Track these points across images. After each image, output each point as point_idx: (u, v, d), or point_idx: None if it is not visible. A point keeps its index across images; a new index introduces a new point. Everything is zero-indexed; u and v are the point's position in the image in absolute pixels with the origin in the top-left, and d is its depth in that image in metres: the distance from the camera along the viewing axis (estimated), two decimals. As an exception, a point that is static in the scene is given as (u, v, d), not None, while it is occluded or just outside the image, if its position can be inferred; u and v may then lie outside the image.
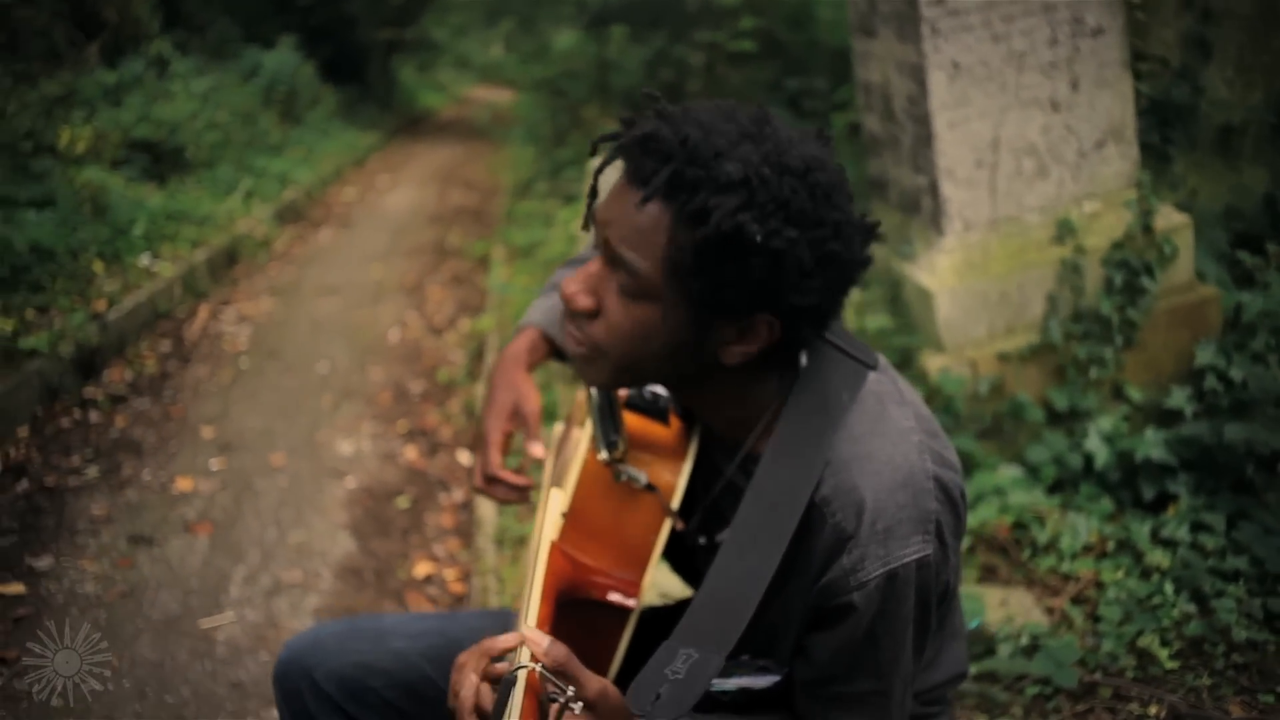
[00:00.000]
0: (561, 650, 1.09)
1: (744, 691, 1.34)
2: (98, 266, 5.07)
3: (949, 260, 3.08)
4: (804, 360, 1.26)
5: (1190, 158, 4.35)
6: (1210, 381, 3.01)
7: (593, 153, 1.28)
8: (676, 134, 1.11)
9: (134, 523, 3.39)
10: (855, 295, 3.42)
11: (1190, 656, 2.48)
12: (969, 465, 2.98)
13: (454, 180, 10.28)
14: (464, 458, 3.97)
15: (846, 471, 1.19)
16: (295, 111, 10.16)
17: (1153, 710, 2.34)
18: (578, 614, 1.36)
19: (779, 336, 1.17)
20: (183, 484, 3.66)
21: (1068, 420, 3.06)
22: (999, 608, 2.54)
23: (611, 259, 1.18)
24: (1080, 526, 2.82)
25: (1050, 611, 2.60)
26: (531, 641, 1.10)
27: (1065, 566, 2.74)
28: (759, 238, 1.07)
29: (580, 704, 1.09)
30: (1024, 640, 2.44)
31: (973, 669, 2.39)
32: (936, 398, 3.04)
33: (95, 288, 4.88)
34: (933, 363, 3.06)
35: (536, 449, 1.54)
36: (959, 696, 2.37)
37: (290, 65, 10.10)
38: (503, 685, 1.14)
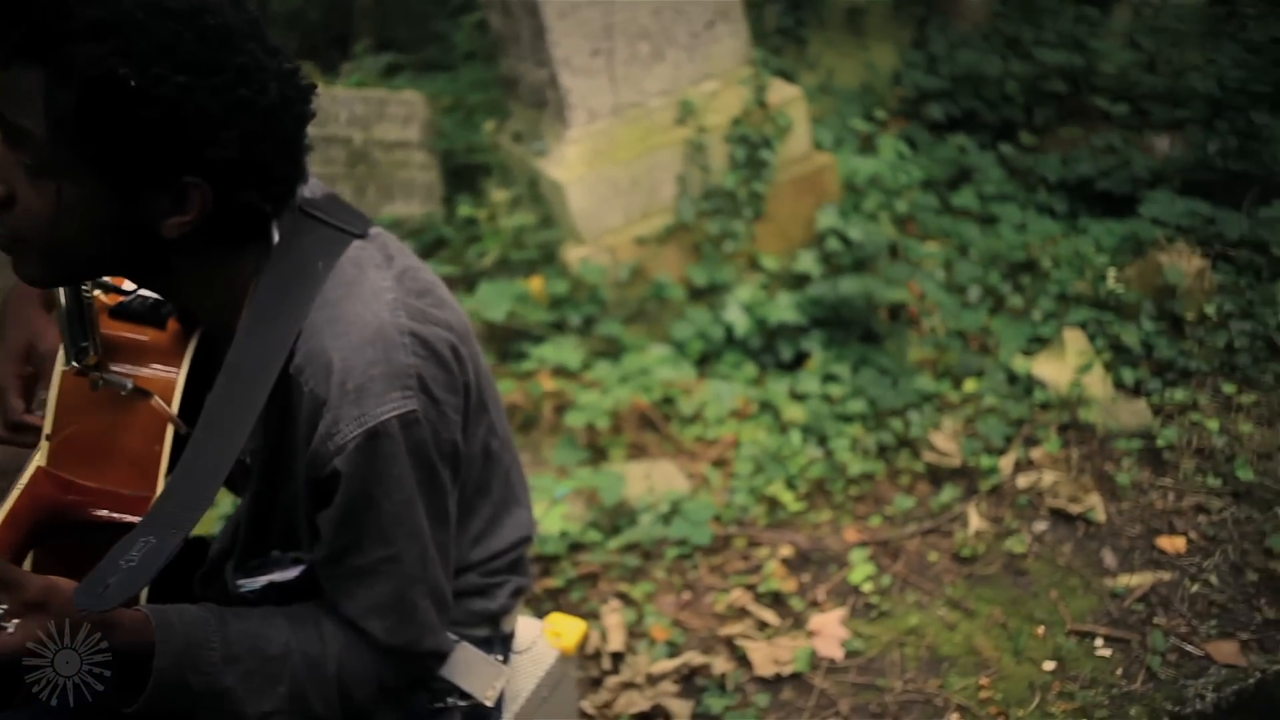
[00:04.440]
0: None
1: (272, 585, 1.29)
2: None
3: (577, 151, 3.09)
4: (277, 234, 1.20)
5: (823, 37, 4.57)
6: (832, 243, 3.20)
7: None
8: None
9: None
10: (499, 195, 3.42)
11: (815, 496, 2.65)
12: (617, 349, 3.04)
13: None
14: None
15: (317, 337, 1.15)
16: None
17: (782, 551, 2.49)
18: (80, 539, 1.26)
19: (213, 200, 1.09)
20: None
21: (708, 295, 3.17)
22: (643, 480, 2.62)
23: (7, 135, 1.06)
24: (725, 394, 2.94)
25: (692, 477, 2.71)
26: None
27: (711, 433, 2.86)
28: (134, 82, 0.99)
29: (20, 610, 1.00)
30: (664, 508, 2.53)
31: (615, 542, 2.46)
32: (581, 288, 3.07)
33: None
34: (573, 254, 3.08)
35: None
36: (605, 569, 2.44)
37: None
38: None
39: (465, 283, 3.29)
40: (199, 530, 1.38)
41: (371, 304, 1.17)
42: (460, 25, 3.82)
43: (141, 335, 1.32)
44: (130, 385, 1.26)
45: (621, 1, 3.06)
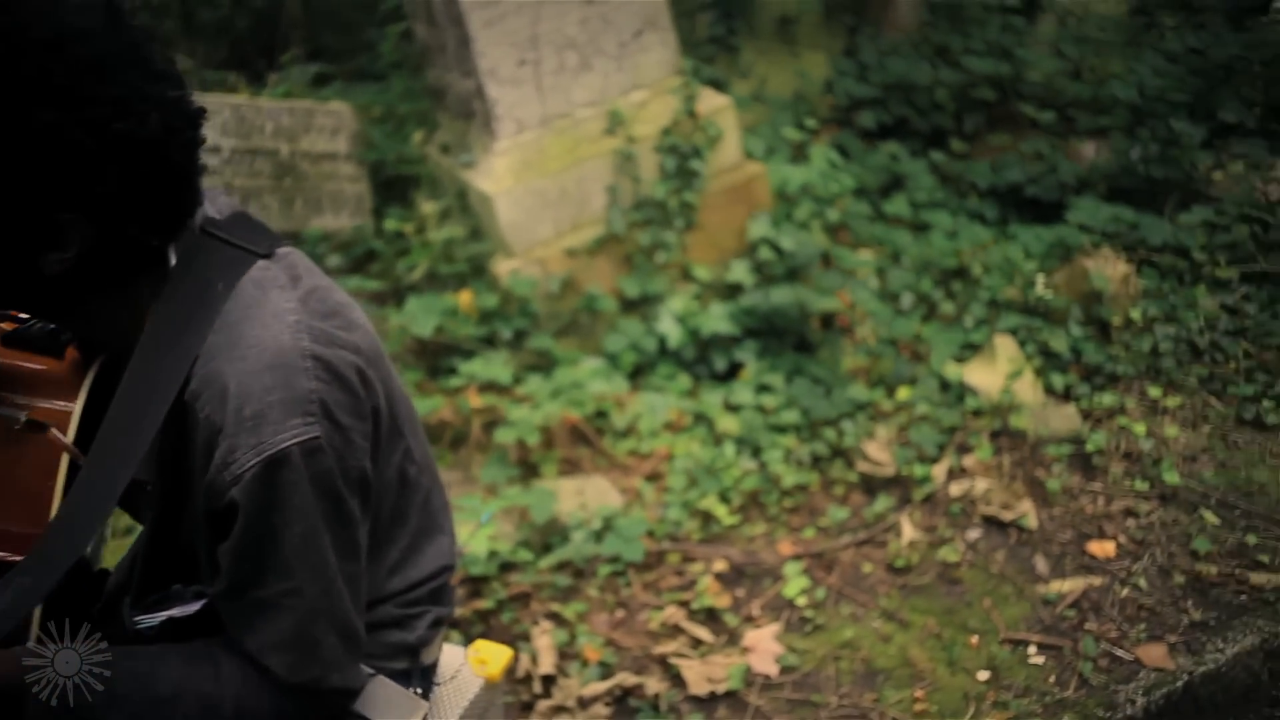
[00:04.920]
0: None
1: (171, 621, 1.23)
2: None
3: (505, 162, 3.04)
4: (174, 258, 1.14)
5: (755, 46, 4.58)
6: (764, 252, 3.19)
7: None
8: None
9: None
10: (428, 207, 3.36)
11: (749, 509, 2.63)
12: (549, 363, 3.00)
13: None
14: None
15: (214, 361, 1.09)
16: None
17: (716, 566, 2.46)
18: None
19: (95, 235, 1.03)
20: None
21: (641, 306, 3.14)
22: (575, 496, 2.58)
23: None
24: (658, 406, 2.91)
25: (625, 492, 2.67)
26: None
27: (645, 447, 2.83)
28: None
29: None
30: (596, 524, 2.49)
31: (546, 561, 2.42)
32: (511, 302, 3.02)
33: None
34: (503, 267, 3.03)
35: None
36: (537, 589, 2.39)
37: None
38: None
39: (395, 297, 3.23)
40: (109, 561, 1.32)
41: (272, 326, 1.11)
42: (387, 35, 3.76)
43: (37, 364, 1.24)
44: (23, 418, 1.19)
45: (548, 11, 3.02)
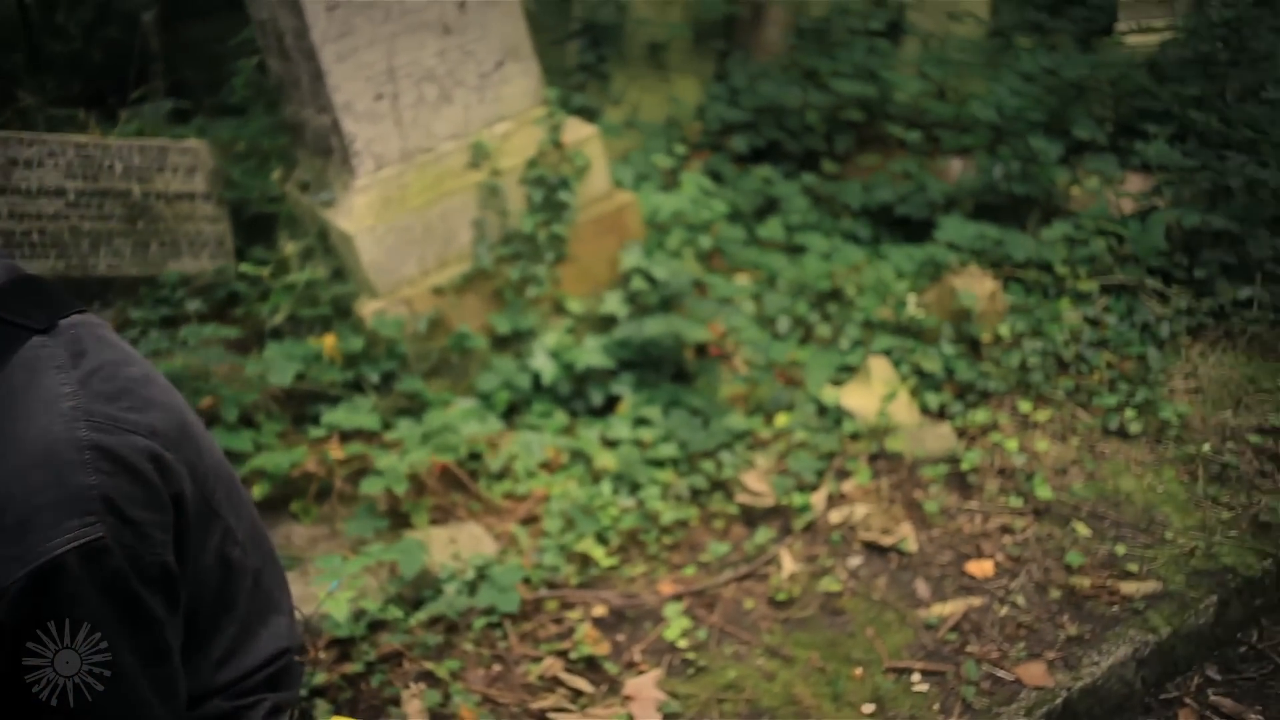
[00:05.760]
0: None
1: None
2: None
3: (365, 200, 2.93)
4: None
5: (626, 73, 4.55)
6: (637, 282, 3.14)
7: None
8: None
9: None
10: (290, 248, 3.22)
11: (629, 549, 2.57)
12: (420, 406, 2.89)
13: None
14: None
15: None
16: None
17: (595, 611, 2.39)
18: None
19: None
20: None
21: (513, 343, 3.06)
22: (448, 545, 2.48)
23: None
24: (534, 445, 2.83)
25: (499, 537, 2.58)
26: None
27: (521, 488, 2.74)
28: None
29: None
30: (470, 575, 2.39)
31: (417, 617, 2.31)
32: (377, 344, 2.91)
33: None
34: (368, 309, 2.92)
35: None
36: (409, 648, 2.28)
37: None
38: None
39: (260, 342, 3.08)
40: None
41: (41, 417, 1.00)
42: (241, 69, 3.61)
43: None
44: None
45: (404, 43, 2.93)
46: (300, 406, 2.93)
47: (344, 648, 2.28)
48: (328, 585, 2.11)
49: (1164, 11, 4.29)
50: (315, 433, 2.70)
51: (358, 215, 2.91)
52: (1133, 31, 4.33)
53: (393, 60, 2.92)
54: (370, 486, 2.53)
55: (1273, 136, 3.44)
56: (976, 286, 3.16)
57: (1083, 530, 2.59)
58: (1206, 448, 2.81)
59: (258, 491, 2.57)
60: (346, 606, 2.11)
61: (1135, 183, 3.64)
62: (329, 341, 2.92)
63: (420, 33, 2.95)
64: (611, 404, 3.04)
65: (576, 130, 3.19)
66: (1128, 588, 2.43)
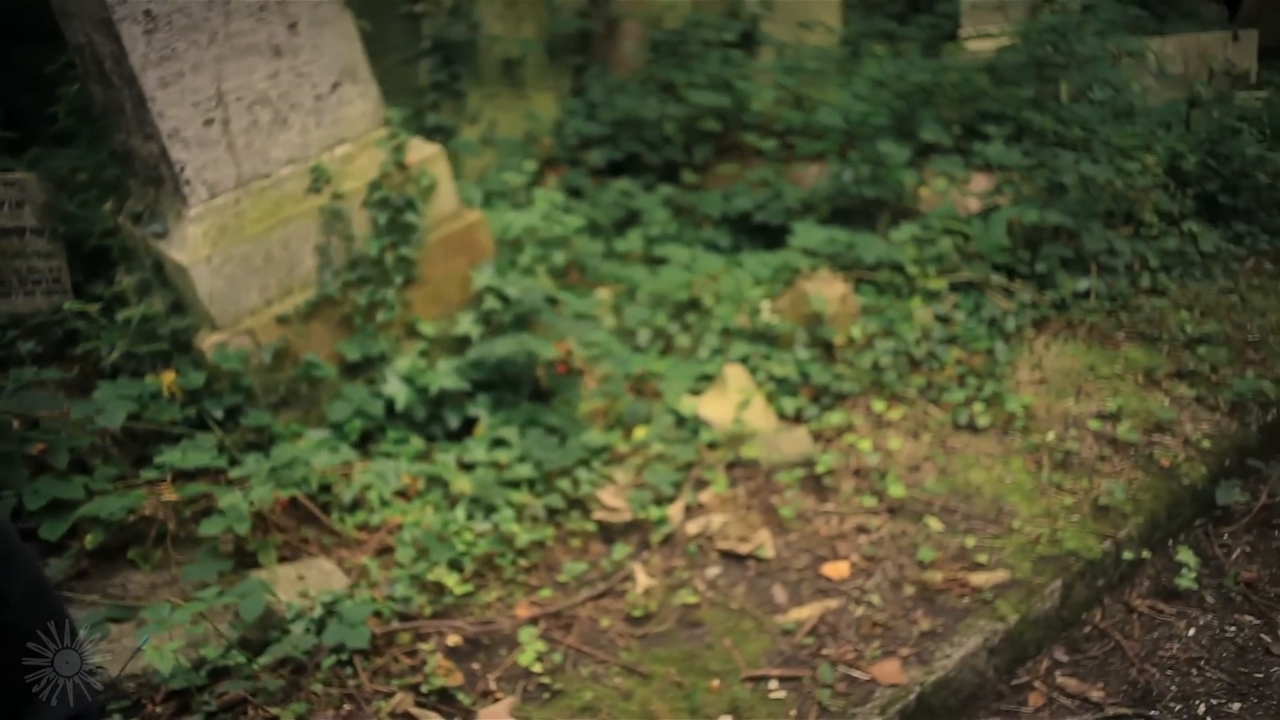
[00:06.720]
0: None
1: None
2: None
3: (200, 230, 2.82)
4: None
5: (482, 91, 4.51)
6: (490, 302, 3.09)
7: None
8: None
9: None
10: (126, 281, 3.09)
11: (485, 574, 2.52)
12: (269, 440, 2.79)
13: None
14: None
15: None
16: None
17: (449, 640, 2.33)
18: None
19: None
20: None
21: (364, 369, 2.98)
22: (295, 583, 2.39)
23: None
24: (389, 473, 2.75)
25: (350, 571, 2.50)
26: None
27: (376, 519, 2.67)
28: None
29: None
30: (318, 612, 2.31)
31: (262, 660, 2.22)
32: (220, 378, 2.80)
33: None
34: (208, 342, 2.81)
35: None
36: (253, 694, 2.18)
37: None
38: None
39: (97, 380, 2.93)
40: None
41: None
42: (62, 96, 3.44)
43: None
44: None
45: (232, 67, 2.83)
46: (142, 448, 2.80)
47: (184, 699, 2.18)
48: (145, 638, 2.01)
49: (1001, 18, 4.44)
50: (148, 474, 2.58)
51: (192, 246, 2.80)
52: (974, 37, 4.46)
53: (222, 84, 2.82)
54: (210, 528, 2.42)
55: (1102, 134, 3.59)
56: (828, 290, 3.20)
57: (935, 525, 2.64)
58: (1050, 436, 2.90)
59: (90, 540, 2.44)
60: (172, 657, 2.01)
61: (980, 182, 3.75)
62: (168, 378, 2.79)
63: (250, 56, 2.86)
64: (469, 426, 2.98)
65: (420, 150, 3.13)
66: (977, 579, 2.48)
